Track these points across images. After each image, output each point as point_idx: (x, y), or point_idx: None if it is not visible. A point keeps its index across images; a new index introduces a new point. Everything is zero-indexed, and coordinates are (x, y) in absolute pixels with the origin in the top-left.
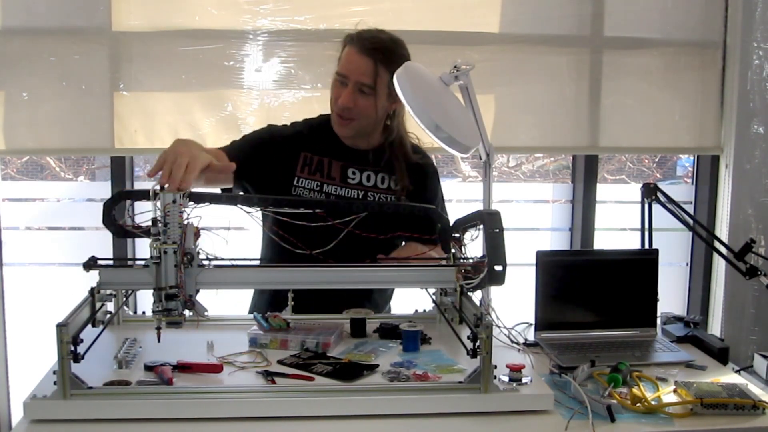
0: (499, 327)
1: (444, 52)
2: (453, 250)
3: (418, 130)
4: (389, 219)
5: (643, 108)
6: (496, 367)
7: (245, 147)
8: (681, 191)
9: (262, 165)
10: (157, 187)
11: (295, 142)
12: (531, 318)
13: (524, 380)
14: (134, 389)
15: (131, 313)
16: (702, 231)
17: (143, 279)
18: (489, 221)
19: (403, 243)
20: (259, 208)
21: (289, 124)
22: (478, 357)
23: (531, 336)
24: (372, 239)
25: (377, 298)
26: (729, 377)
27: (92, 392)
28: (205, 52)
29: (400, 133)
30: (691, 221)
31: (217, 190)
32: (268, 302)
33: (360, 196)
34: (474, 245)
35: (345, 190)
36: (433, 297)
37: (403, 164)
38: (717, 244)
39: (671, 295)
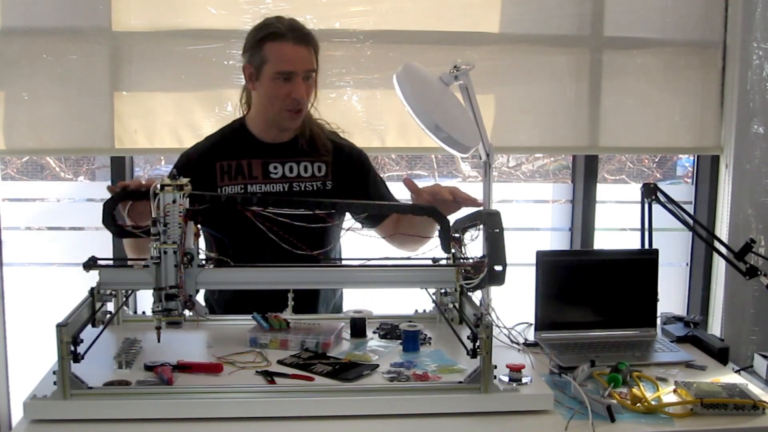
0: (499, 327)
1: (444, 52)
2: (453, 250)
3: (418, 131)
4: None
5: (643, 108)
6: (496, 367)
7: None
8: (681, 191)
9: None
10: (158, 187)
11: (207, 157)
12: (531, 318)
13: (524, 380)
14: (134, 389)
15: (131, 313)
16: (702, 231)
17: (143, 279)
18: (489, 221)
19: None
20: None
21: (203, 138)
22: (478, 357)
23: (531, 336)
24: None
25: (328, 292)
26: (729, 377)
27: (92, 392)
28: (205, 52)
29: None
30: (691, 221)
31: None
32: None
33: (285, 189)
34: (474, 245)
35: (269, 185)
36: (433, 297)
37: (321, 132)
38: (717, 244)
39: (671, 295)
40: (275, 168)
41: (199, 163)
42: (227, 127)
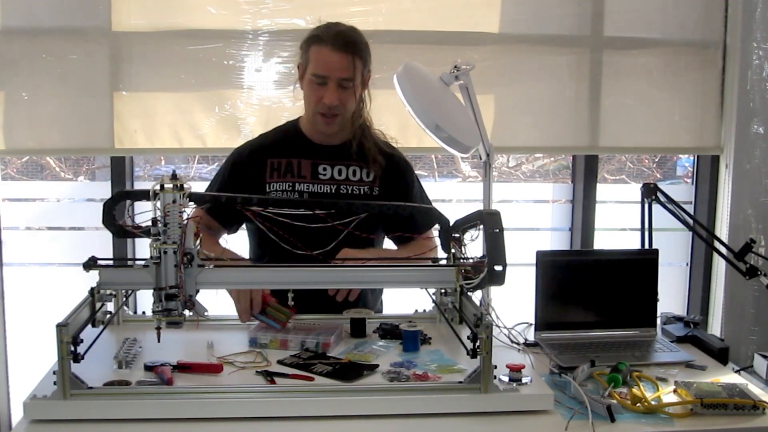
0: (499, 327)
1: (444, 52)
2: (453, 250)
3: (418, 131)
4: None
5: (643, 108)
6: (496, 367)
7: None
8: (681, 191)
9: (238, 190)
10: (157, 187)
11: (259, 154)
12: (531, 318)
13: (524, 380)
14: (134, 389)
15: (131, 313)
16: (702, 231)
17: (143, 279)
18: (489, 221)
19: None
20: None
21: (258, 135)
22: (478, 357)
23: (531, 336)
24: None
25: (367, 294)
26: (729, 377)
27: (92, 392)
28: (205, 52)
29: (366, 117)
30: (691, 221)
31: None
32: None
33: (332, 191)
34: (474, 245)
35: (317, 186)
36: (433, 297)
37: (373, 146)
38: (717, 244)
39: (671, 295)
40: (324, 169)
41: (250, 159)
42: (282, 126)
